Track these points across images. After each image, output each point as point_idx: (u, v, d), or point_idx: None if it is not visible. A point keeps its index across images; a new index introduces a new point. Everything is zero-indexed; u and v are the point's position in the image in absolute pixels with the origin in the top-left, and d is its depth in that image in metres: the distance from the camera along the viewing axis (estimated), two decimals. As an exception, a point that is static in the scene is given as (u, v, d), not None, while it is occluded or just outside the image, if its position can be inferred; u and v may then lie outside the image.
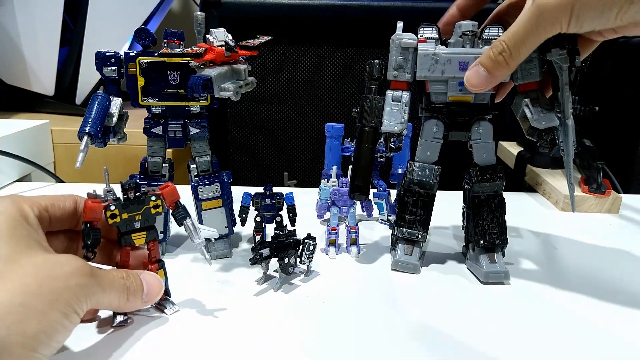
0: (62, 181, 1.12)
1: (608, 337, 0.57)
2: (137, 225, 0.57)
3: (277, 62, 1.20)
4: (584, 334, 0.58)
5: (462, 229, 0.76)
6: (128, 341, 0.54)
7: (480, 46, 0.66)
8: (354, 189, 0.69)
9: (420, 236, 0.71)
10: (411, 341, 0.56)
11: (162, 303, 0.60)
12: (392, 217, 0.88)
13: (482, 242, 0.69)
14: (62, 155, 1.27)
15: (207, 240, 0.72)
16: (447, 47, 0.66)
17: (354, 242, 0.77)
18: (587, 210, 0.97)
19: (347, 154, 0.87)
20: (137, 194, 0.57)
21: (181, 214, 0.59)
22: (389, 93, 0.69)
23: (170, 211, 0.60)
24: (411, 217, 0.71)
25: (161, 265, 0.60)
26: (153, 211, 0.57)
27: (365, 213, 0.78)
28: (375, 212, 0.89)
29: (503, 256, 0.70)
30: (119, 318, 0.56)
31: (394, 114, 0.67)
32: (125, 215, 0.56)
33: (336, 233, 0.76)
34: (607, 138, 1.23)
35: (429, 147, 0.69)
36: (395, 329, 0.58)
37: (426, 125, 0.69)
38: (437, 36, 0.67)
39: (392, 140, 0.67)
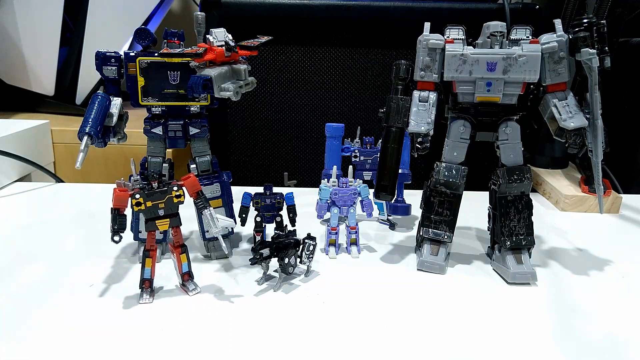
0: (62, 181, 1.12)
1: (608, 336, 0.57)
2: (161, 212, 0.61)
3: (277, 62, 1.20)
4: (585, 334, 0.58)
5: (488, 230, 0.76)
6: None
7: (508, 47, 0.66)
8: (380, 189, 0.70)
9: (446, 237, 0.71)
10: (414, 342, 0.56)
11: (186, 284, 0.64)
12: (392, 217, 0.88)
13: (508, 242, 0.69)
14: (62, 155, 1.27)
15: (214, 239, 0.72)
16: (474, 47, 0.67)
17: (354, 242, 0.77)
18: (587, 210, 0.97)
19: (347, 154, 0.87)
20: (161, 184, 0.61)
21: (202, 204, 0.63)
22: (416, 93, 0.69)
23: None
24: (437, 218, 0.71)
25: (184, 250, 0.64)
26: (175, 200, 0.62)
27: (365, 213, 0.78)
28: (375, 212, 0.89)
29: (530, 257, 0.70)
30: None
31: (421, 114, 0.68)
32: (149, 203, 0.60)
33: (336, 233, 0.76)
34: (607, 138, 1.23)
35: (456, 148, 0.69)
36: (396, 330, 0.58)
37: (453, 126, 0.69)
38: (464, 37, 0.67)
39: (418, 140, 0.67)
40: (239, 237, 0.82)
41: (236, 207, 0.76)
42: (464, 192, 0.71)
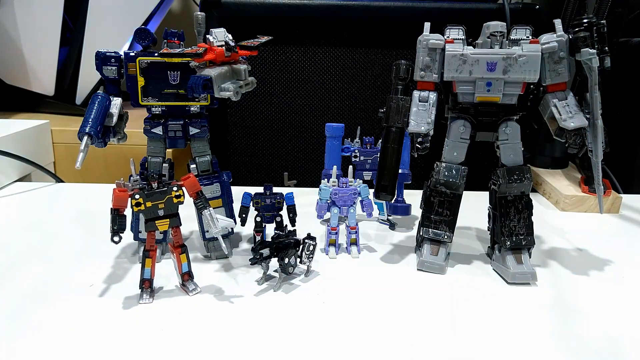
0: (62, 181, 1.12)
1: (608, 336, 0.57)
2: (161, 213, 0.61)
3: (277, 62, 1.20)
4: (585, 334, 0.58)
5: (488, 230, 0.76)
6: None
7: (508, 47, 0.66)
8: (380, 189, 0.70)
9: (446, 237, 0.71)
10: (414, 342, 0.56)
11: (186, 284, 0.64)
12: (392, 217, 0.88)
13: (508, 242, 0.69)
14: (62, 155, 1.27)
15: (214, 239, 0.72)
16: (474, 47, 0.67)
17: (354, 242, 0.77)
18: (587, 210, 0.97)
19: (347, 154, 0.87)
20: (160, 184, 0.61)
21: (202, 204, 0.63)
22: (416, 93, 0.69)
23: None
24: (437, 218, 0.71)
25: (184, 250, 0.64)
26: (175, 200, 0.61)
27: (365, 213, 0.78)
28: (375, 212, 0.89)
29: (530, 257, 0.70)
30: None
31: (421, 114, 0.68)
32: (149, 204, 0.60)
33: (336, 233, 0.76)
34: (608, 138, 1.23)
35: (456, 148, 0.69)
36: (396, 330, 0.58)
37: (453, 126, 0.69)
38: (464, 37, 0.67)
39: (418, 140, 0.67)
40: (239, 237, 0.82)
41: (236, 207, 0.76)
42: (464, 192, 0.71)
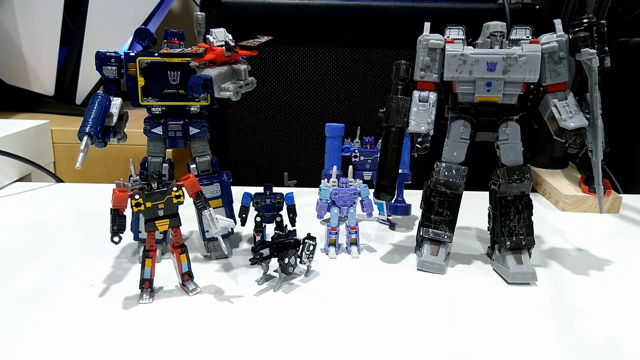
0: (62, 181, 1.12)
1: (608, 336, 0.57)
2: (161, 213, 0.61)
3: (277, 62, 1.20)
4: (585, 334, 0.58)
5: (488, 230, 0.76)
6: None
7: (508, 47, 0.66)
8: (380, 189, 0.70)
9: (446, 237, 0.71)
10: (414, 342, 0.56)
11: (186, 284, 0.64)
12: (392, 217, 0.88)
13: (508, 242, 0.69)
14: (62, 155, 1.27)
15: (214, 239, 0.72)
16: (474, 47, 0.67)
17: (354, 242, 0.77)
18: (587, 210, 0.97)
19: (347, 154, 0.87)
20: (160, 184, 0.61)
21: (202, 204, 0.63)
22: (416, 93, 0.69)
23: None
24: (437, 218, 0.71)
25: (184, 250, 0.64)
26: (175, 201, 0.61)
27: (365, 213, 0.78)
28: (375, 212, 0.89)
29: (530, 257, 0.70)
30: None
31: (421, 114, 0.68)
32: (149, 204, 0.60)
33: (336, 233, 0.76)
34: (608, 138, 1.23)
35: (456, 148, 0.69)
36: (396, 330, 0.58)
37: (453, 126, 0.69)
38: (464, 37, 0.67)
39: (418, 140, 0.67)
40: (239, 237, 0.82)
41: (236, 207, 0.76)
42: (464, 192, 0.71)
